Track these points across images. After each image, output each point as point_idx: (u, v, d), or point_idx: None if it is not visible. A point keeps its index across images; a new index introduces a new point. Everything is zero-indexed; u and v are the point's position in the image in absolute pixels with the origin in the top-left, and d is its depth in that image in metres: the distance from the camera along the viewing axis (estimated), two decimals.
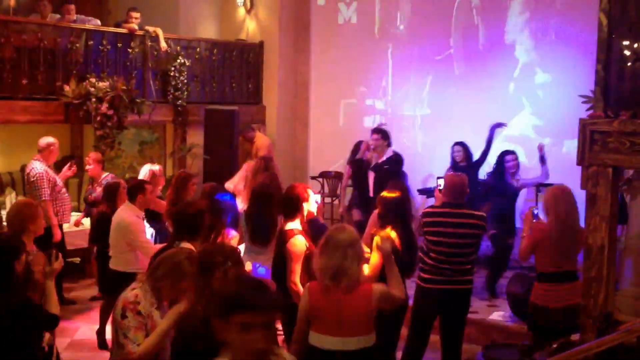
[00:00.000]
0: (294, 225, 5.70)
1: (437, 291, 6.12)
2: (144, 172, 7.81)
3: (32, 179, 8.19)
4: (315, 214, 6.05)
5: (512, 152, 8.89)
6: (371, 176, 9.05)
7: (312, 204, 5.92)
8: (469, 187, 6.36)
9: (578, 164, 5.19)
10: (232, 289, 2.95)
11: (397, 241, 5.56)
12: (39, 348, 4.44)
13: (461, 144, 9.38)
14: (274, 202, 6.33)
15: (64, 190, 8.53)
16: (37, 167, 8.20)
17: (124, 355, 3.86)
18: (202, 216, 5.21)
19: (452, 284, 6.08)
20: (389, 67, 12.30)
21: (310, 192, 5.93)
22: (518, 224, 8.70)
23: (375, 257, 5.46)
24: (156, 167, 7.86)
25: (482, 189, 9.01)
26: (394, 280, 4.50)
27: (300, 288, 5.36)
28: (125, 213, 6.67)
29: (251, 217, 6.45)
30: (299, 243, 5.58)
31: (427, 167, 10.69)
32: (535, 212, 6.64)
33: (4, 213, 9.70)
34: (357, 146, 9.58)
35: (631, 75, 5.37)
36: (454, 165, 9.25)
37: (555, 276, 5.87)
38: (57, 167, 8.92)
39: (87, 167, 8.66)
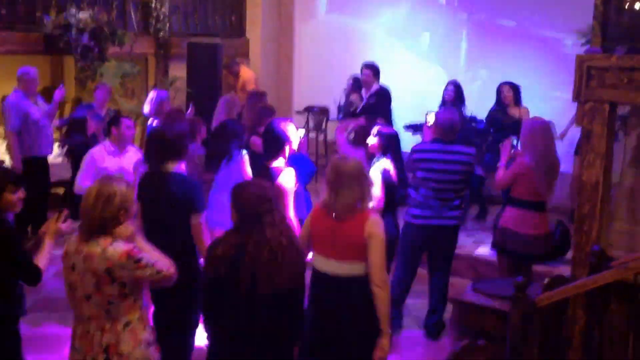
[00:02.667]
0: (279, 163, 5.65)
1: (425, 226, 6.19)
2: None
3: (3, 110, 8.13)
4: (296, 149, 5.96)
5: (507, 83, 8.88)
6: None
7: (294, 140, 5.83)
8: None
9: (574, 99, 5.14)
10: None
11: (393, 173, 5.89)
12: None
13: (454, 82, 9.32)
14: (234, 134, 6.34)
15: (42, 121, 8.22)
16: (10, 97, 8.07)
17: (166, 275, 3.83)
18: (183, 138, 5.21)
19: (440, 219, 6.14)
20: None
21: (293, 128, 5.82)
22: None
23: (376, 191, 5.54)
24: None
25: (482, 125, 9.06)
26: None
27: (295, 222, 5.37)
28: None
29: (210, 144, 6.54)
30: (289, 178, 5.54)
31: (415, 102, 10.56)
32: (514, 142, 6.67)
33: None
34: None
35: (629, 10, 5.30)
36: (444, 104, 9.18)
37: (530, 204, 6.02)
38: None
39: None
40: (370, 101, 9.18)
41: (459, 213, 6.27)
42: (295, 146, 5.87)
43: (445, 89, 9.27)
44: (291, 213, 5.47)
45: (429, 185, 6.11)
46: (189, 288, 4.78)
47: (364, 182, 4.30)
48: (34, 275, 4.21)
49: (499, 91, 8.91)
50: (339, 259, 4.25)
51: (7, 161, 8.35)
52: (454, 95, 9.15)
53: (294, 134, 5.81)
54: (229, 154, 6.17)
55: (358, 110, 9.18)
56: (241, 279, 3.76)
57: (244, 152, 6.24)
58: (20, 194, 4.34)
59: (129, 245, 3.73)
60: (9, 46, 9.21)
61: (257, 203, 3.86)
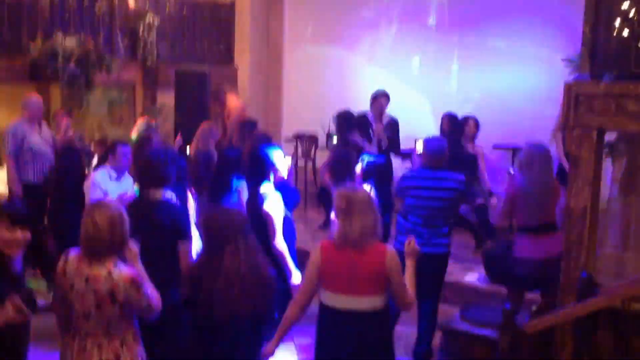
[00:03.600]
0: (266, 189, 5.64)
1: None
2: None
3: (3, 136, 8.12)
4: (285, 176, 5.94)
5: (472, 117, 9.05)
6: None
7: (282, 166, 5.80)
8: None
9: (562, 127, 5.14)
10: None
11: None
12: None
13: (448, 115, 9.45)
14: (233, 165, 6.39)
15: (42, 148, 8.12)
16: (10, 124, 8.07)
17: (153, 310, 3.91)
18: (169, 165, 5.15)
19: (429, 246, 6.06)
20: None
21: (280, 154, 5.80)
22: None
23: None
24: None
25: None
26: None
27: (284, 246, 5.42)
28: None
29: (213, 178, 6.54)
30: (276, 203, 5.52)
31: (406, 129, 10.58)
32: (511, 172, 6.65)
33: None
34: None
35: (618, 37, 5.30)
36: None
37: (534, 228, 5.95)
38: None
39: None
40: (388, 133, 9.10)
41: (448, 241, 6.23)
42: (283, 173, 5.84)
43: (441, 121, 9.37)
44: (279, 239, 5.42)
45: (418, 213, 6.09)
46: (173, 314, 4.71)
47: (376, 210, 4.29)
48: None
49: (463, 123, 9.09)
50: (358, 294, 4.18)
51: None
52: (449, 128, 9.21)
53: (281, 160, 5.78)
54: (231, 186, 6.21)
55: (383, 146, 9.01)
56: (199, 302, 3.91)
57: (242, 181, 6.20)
58: (19, 234, 4.05)
59: (134, 271, 3.83)
60: None
61: (220, 230, 3.96)
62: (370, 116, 9.15)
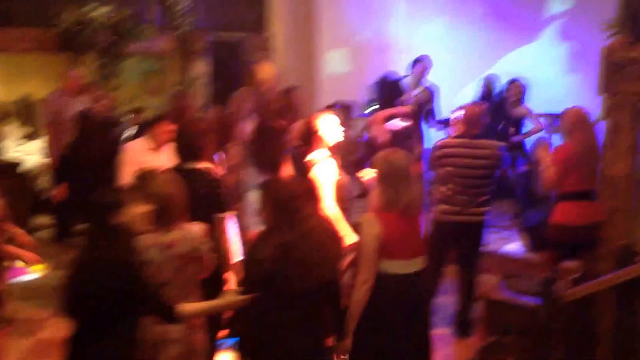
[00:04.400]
0: (314, 155, 5.59)
1: (451, 222, 6.11)
2: None
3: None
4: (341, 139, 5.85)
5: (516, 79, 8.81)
6: None
7: (332, 132, 5.71)
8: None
9: (599, 93, 5.05)
10: None
11: None
12: None
13: (487, 78, 9.29)
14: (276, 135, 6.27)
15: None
16: (49, 95, 8.15)
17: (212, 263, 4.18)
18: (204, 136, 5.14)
19: (466, 215, 6.05)
20: None
21: (327, 120, 5.72)
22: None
23: None
24: None
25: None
26: None
27: (335, 210, 5.38)
28: None
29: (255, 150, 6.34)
30: (320, 172, 5.47)
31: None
32: (549, 141, 6.53)
33: (6, 144, 9.65)
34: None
35: None
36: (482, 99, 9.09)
37: (578, 194, 5.77)
38: None
39: None
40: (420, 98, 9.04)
41: (484, 209, 6.15)
42: (334, 138, 5.77)
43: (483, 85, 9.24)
44: (328, 203, 5.37)
45: (454, 181, 6.03)
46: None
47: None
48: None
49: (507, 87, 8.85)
50: (418, 254, 4.31)
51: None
52: (488, 91, 9.10)
53: (331, 126, 5.72)
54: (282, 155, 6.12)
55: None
56: (289, 276, 3.76)
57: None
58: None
59: (205, 226, 4.11)
60: (25, 44, 9.18)
61: (290, 200, 3.85)
62: (404, 83, 9.04)
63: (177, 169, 4.98)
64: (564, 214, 5.82)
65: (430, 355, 4.36)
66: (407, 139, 6.24)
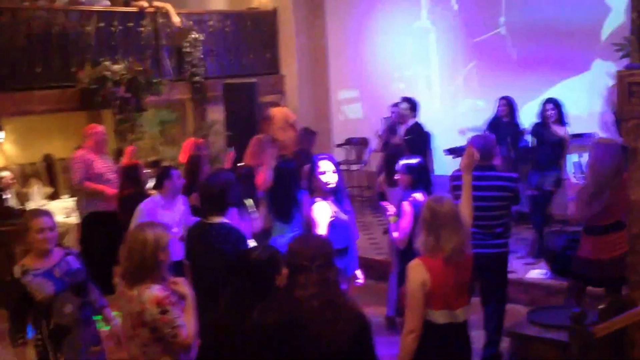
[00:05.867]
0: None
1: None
2: None
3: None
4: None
5: (552, 100, 8.65)
6: None
7: (327, 174, 5.69)
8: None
9: (617, 117, 5.01)
10: None
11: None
12: None
13: (506, 98, 9.31)
14: (292, 177, 6.34)
15: (108, 178, 8.19)
16: (76, 154, 8.20)
17: (180, 343, 3.84)
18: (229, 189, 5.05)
19: (483, 247, 5.91)
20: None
21: (322, 163, 5.68)
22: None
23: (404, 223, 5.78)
24: None
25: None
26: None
27: None
28: None
29: (271, 193, 6.44)
30: (319, 208, 5.48)
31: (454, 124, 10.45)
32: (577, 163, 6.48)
33: (28, 205, 9.75)
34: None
35: None
36: (496, 119, 9.21)
37: (599, 229, 5.77)
38: None
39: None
40: (407, 137, 9.23)
41: (503, 241, 6.09)
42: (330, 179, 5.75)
43: (498, 104, 9.25)
44: None
45: None
46: None
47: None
48: None
49: (543, 108, 8.67)
50: (464, 304, 4.22)
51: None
52: (507, 110, 9.14)
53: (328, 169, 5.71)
54: (295, 199, 6.19)
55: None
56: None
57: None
58: None
59: (164, 293, 3.83)
60: (46, 105, 9.36)
61: (294, 257, 3.63)
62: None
63: (202, 225, 5.01)
64: (589, 247, 5.84)
65: None
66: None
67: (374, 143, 10.71)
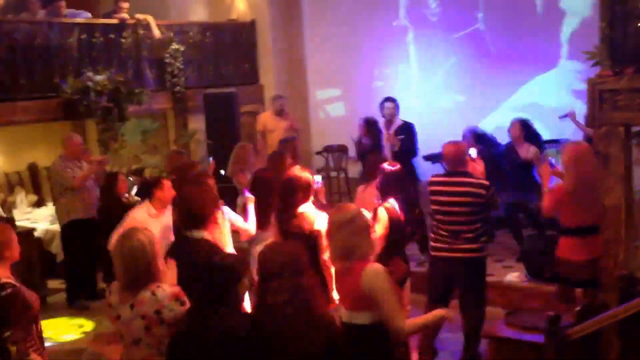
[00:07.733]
0: (304, 208, 5.61)
1: (443, 259, 6.17)
2: None
3: (53, 174, 8.48)
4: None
5: (518, 120, 8.77)
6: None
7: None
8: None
9: (589, 125, 5.16)
10: None
11: (399, 212, 5.84)
12: None
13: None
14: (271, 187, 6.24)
15: (85, 185, 8.38)
16: (56, 162, 8.40)
17: None
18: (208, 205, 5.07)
19: (455, 252, 6.07)
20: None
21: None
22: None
23: (380, 229, 5.64)
24: None
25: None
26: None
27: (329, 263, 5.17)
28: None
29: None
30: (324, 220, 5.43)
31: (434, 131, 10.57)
32: (551, 160, 6.58)
33: (15, 213, 9.82)
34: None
35: (635, 32, 5.30)
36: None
37: (577, 231, 5.85)
38: None
39: None
40: (400, 137, 9.36)
41: (477, 245, 6.09)
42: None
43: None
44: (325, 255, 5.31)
45: (439, 218, 6.12)
46: None
47: (356, 230, 4.11)
48: None
49: (510, 128, 8.74)
50: (351, 308, 4.13)
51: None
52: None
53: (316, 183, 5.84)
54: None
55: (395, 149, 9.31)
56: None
57: None
58: None
59: (176, 288, 3.98)
60: (30, 115, 9.40)
61: (264, 265, 3.74)
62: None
63: (183, 239, 5.03)
64: (565, 249, 5.94)
65: None
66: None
67: (352, 150, 10.83)
